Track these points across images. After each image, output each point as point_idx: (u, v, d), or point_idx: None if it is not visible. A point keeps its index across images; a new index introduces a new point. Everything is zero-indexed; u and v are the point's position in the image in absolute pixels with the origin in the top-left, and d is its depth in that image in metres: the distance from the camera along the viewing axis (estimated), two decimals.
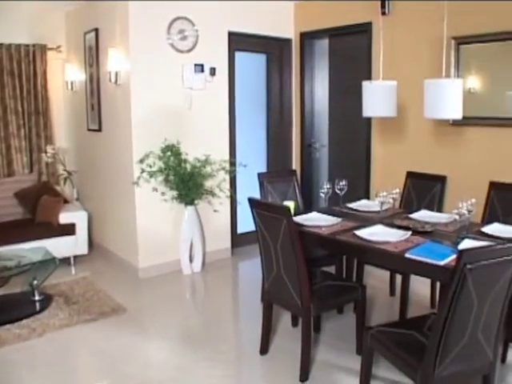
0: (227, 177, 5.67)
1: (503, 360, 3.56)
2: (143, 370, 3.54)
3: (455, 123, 4.91)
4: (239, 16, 5.83)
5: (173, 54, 5.25)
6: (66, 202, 5.90)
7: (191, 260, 5.46)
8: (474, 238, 3.29)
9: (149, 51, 5.09)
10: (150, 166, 5.04)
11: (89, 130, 6.09)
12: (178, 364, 3.61)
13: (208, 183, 5.40)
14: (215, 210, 5.62)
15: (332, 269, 4.33)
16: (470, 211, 3.37)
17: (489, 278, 2.42)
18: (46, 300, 4.59)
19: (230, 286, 5.41)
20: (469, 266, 2.29)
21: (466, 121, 4.76)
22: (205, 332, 4.15)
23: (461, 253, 2.29)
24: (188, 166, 5.15)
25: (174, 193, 5.20)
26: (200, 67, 5.43)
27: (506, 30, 4.54)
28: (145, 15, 5.02)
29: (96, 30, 5.61)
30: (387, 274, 4.88)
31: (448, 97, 3.54)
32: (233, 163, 5.68)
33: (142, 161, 4.99)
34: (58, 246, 5.29)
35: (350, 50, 6.14)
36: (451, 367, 2.53)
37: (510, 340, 3.52)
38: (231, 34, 5.79)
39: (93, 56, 5.75)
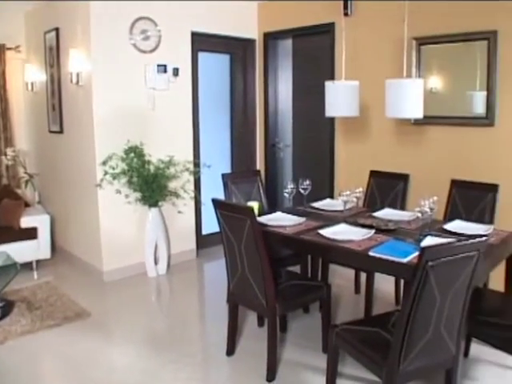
0: (191, 178, 5.63)
1: (466, 354, 3.63)
2: (108, 375, 3.49)
3: (417, 122, 4.98)
4: (202, 16, 5.81)
5: (135, 54, 5.20)
6: (27, 205, 5.78)
7: (156, 262, 5.42)
8: (436, 235, 3.35)
9: (111, 51, 5.02)
10: (113, 168, 4.97)
11: (50, 131, 5.98)
12: (143, 368, 3.57)
13: (172, 184, 5.36)
14: (179, 212, 5.60)
15: (297, 268, 4.35)
16: (431, 209, 3.43)
17: (450, 274, 2.46)
18: (8, 306, 4.47)
19: (196, 287, 5.38)
20: (430, 263, 2.33)
21: (428, 120, 4.85)
22: (171, 335, 4.12)
23: (423, 250, 2.32)
24: (151, 168, 5.10)
25: (138, 195, 5.15)
26: (163, 67, 5.38)
27: (464, 31, 4.63)
28: (106, 15, 4.95)
29: (56, 29, 5.51)
30: (352, 272, 4.92)
31: (409, 96, 3.59)
32: (197, 164, 5.65)
33: (104, 163, 4.92)
34: (20, 251, 5.14)
35: (314, 50, 6.18)
36: (415, 362, 2.57)
37: (473, 334, 3.59)
38: (194, 35, 5.76)
39: (53, 56, 5.64)
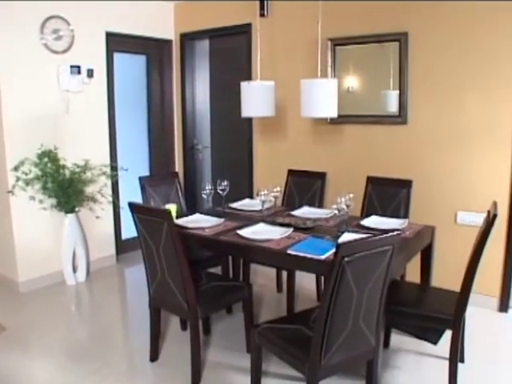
0: (109, 182, 5.51)
1: (387, 345, 3.74)
2: None
3: (333, 121, 5.08)
4: (117, 16, 5.67)
5: (47, 54, 5.00)
6: None
7: (75, 270, 5.26)
8: (353, 232, 3.42)
9: (20, 52, 4.79)
10: (26, 174, 4.77)
11: None
12: (64, 381, 3.42)
13: (89, 189, 5.23)
14: (97, 217, 5.47)
15: (219, 270, 4.34)
16: (348, 206, 3.50)
17: (366, 268, 2.51)
18: None
19: (117, 293, 5.25)
20: (346, 259, 2.37)
21: (344, 119, 4.96)
22: (92, 344, 3.99)
23: (338, 246, 2.36)
24: (67, 172, 4.94)
25: (54, 201, 4.98)
26: (76, 69, 5.21)
27: (377, 32, 4.77)
28: (13, 14, 4.73)
29: None
30: (274, 271, 4.97)
31: (323, 96, 3.65)
32: (114, 167, 5.54)
33: (16, 168, 4.72)
34: None
35: (231, 51, 6.18)
36: (337, 356, 2.61)
37: (392, 325, 3.71)
38: (109, 35, 5.62)
39: None
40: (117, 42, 5.80)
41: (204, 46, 6.50)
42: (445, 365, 3.15)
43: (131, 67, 6.27)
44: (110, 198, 5.52)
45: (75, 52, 5.24)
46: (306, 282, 4.84)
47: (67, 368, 3.60)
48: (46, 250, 5.13)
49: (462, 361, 3.50)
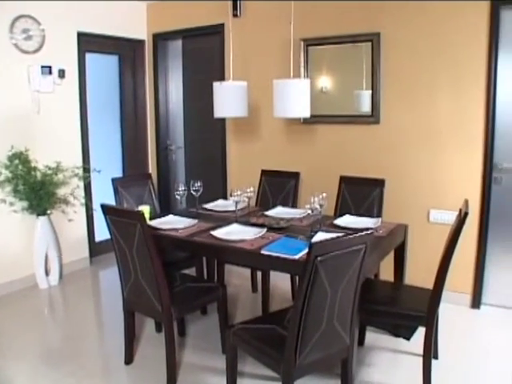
0: (81, 184, 5.45)
1: (362, 343, 3.77)
2: None
3: (306, 121, 5.10)
4: (89, 16, 5.61)
5: (17, 54, 4.92)
6: None
7: (47, 273, 5.18)
8: (326, 231, 3.43)
9: None
10: None
11: None
12: None
13: (61, 191, 5.16)
14: (70, 219, 5.40)
15: (193, 271, 4.32)
16: (321, 205, 3.51)
17: (339, 267, 2.52)
18: None
19: (91, 296, 5.19)
20: (319, 258, 2.37)
21: (317, 119, 4.98)
22: (67, 348, 3.93)
23: (311, 246, 2.36)
24: (38, 174, 4.87)
25: (25, 203, 4.90)
26: (48, 69, 5.14)
27: (350, 33, 4.80)
28: None
29: None
30: (249, 271, 4.96)
31: (296, 96, 3.66)
32: (86, 169, 5.48)
33: None
34: None
35: (204, 51, 6.16)
36: (311, 355, 2.61)
37: (367, 324, 3.73)
38: (81, 35, 5.56)
39: None
40: (89, 42, 5.75)
41: (177, 46, 6.47)
42: (419, 361, 3.17)
43: (103, 67, 6.21)
44: (83, 200, 5.45)
45: (46, 52, 5.17)
46: (281, 281, 4.85)
47: (41, 372, 3.55)
48: (17, 253, 5.04)
49: (436, 357, 3.54)
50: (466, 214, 2.96)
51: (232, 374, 3.03)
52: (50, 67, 5.18)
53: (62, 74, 5.32)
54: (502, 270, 4.43)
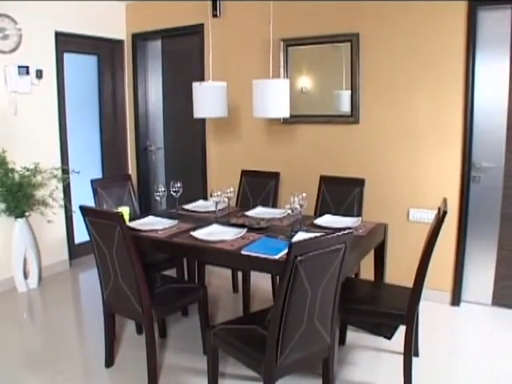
0: (60, 185, 5.40)
1: (343, 342, 3.78)
2: None
3: (286, 121, 5.11)
4: (67, 15, 5.54)
5: None
6: None
7: (26, 276, 5.12)
8: (307, 231, 3.44)
9: None
10: None
11: None
12: None
13: (39, 193, 5.10)
14: (49, 221, 5.34)
15: (174, 272, 4.30)
16: (301, 205, 3.51)
17: (319, 267, 2.52)
18: None
19: (71, 299, 5.12)
20: (299, 258, 2.37)
21: (297, 119, 5.00)
22: (46, 352, 3.88)
23: (291, 246, 2.36)
24: (16, 176, 4.81)
25: (2, 205, 4.83)
26: (25, 69, 5.07)
27: (329, 33, 4.82)
28: None
29: None
30: (230, 272, 4.95)
31: (275, 96, 3.66)
32: (65, 170, 5.41)
33: None
34: None
35: (183, 52, 6.14)
36: (292, 355, 2.61)
37: (348, 323, 3.75)
38: (59, 34, 5.50)
39: None
40: (67, 42, 5.69)
41: (156, 46, 6.44)
42: (400, 359, 3.19)
43: (82, 68, 6.14)
44: (62, 202, 5.41)
45: (23, 52, 5.10)
46: (262, 281, 4.85)
47: (20, 376, 3.50)
48: None
49: (417, 355, 3.57)
50: (445, 212, 2.98)
51: (213, 374, 3.02)
52: (27, 67, 5.11)
53: (39, 74, 5.26)
54: (481, 267, 4.48)
